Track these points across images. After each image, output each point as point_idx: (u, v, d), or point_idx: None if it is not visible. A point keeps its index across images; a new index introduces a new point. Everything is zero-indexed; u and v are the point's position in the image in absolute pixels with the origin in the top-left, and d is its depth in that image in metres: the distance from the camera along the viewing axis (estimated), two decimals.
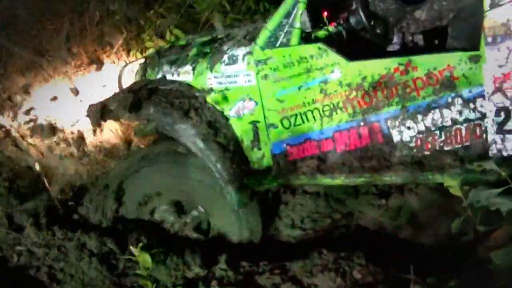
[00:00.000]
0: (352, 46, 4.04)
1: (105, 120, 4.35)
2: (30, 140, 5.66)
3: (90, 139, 5.77)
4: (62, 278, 3.94)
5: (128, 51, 6.37)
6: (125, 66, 5.01)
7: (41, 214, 4.38)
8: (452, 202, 3.61)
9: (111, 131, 5.73)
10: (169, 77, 4.36)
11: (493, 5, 3.42)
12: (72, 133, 5.82)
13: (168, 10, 6.84)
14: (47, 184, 4.86)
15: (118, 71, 4.82)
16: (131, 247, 3.77)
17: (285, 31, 3.89)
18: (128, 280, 3.94)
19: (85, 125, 5.67)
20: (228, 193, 4.05)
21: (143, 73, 4.58)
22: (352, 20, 4.06)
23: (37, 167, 5.08)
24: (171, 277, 3.84)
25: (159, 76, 4.42)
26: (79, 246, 4.02)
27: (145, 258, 3.69)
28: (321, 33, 3.99)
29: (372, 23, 4.14)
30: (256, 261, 3.82)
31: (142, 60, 4.78)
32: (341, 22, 4.09)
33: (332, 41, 3.94)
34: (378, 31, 4.25)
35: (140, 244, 3.75)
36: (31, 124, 5.88)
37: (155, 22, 6.68)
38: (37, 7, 6.56)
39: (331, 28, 4.03)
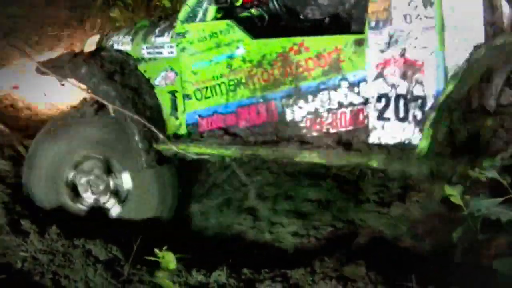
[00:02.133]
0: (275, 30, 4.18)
1: (49, 75, 4.64)
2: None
3: None
4: (67, 284, 3.92)
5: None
6: (90, 36, 5.37)
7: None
8: (453, 211, 3.65)
9: None
10: (115, 46, 4.64)
11: None
12: None
13: None
14: None
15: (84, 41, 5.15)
16: (156, 250, 3.82)
17: (203, 7, 4.08)
18: (133, 287, 3.91)
19: None
20: (137, 154, 4.25)
21: (99, 43, 4.89)
22: (270, 5, 4.19)
23: None
24: (174, 284, 3.82)
25: (109, 45, 4.71)
26: (84, 252, 4.05)
27: (169, 259, 3.77)
28: (244, 14, 4.17)
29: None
30: (257, 269, 3.82)
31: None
32: (263, 5, 4.22)
33: (254, 23, 4.10)
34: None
35: (165, 247, 3.82)
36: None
37: None
38: (38, 14, 6.88)
39: (254, 10, 4.19)
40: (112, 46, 4.66)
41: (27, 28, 6.74)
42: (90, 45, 4.99)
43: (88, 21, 6.99)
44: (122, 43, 4.58)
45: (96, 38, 5.15)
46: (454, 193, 3.45)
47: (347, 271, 3.56)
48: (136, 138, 4.20)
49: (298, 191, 5.15)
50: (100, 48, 4.75)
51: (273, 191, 5.18)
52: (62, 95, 5.95)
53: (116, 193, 4.60)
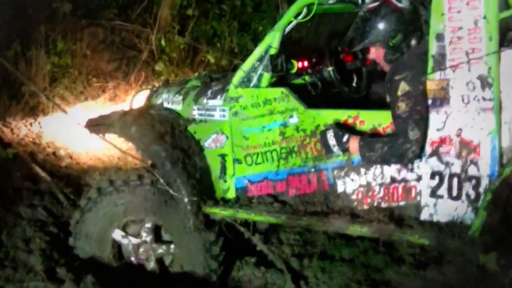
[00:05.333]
0: (328, 96, 4.21)
1: (99, 133, 4.73)
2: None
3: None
4: None
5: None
6: (138, 91, 5.42)
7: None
8: (490, 278, 3.62)
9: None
10: (165, 104, 4.68)
11: (435, 68, 3.50)
12: None
13: None
14: None
15: (132, 96, 5.21)
16: None
17: (257, 73, 4.11)
18: None
19: None
20: (185, 217, 4.26)
21: (149, 99, 4.94)
22: (325, 74, 4.22)
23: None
24: None
25: (158, 102, 4.76)
26: None
27: None
28: (298, 81, 4.20)
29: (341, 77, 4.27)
30: None
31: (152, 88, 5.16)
32: (317, 73, 4.25)
33: (306, 91, 4.13)
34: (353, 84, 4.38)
35: None
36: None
37: None
38: (84, 64, 7.00)
39: (307, 77, 4.22)
40: (161, 104, 4.69)
41: (72, 77, 6.81)
42: (137, 100, 5.05)
43: (132, 74, 7.04)
44: (172, 102, 4.62)
45: (143, 92, 5.21)
46: (490, 259, 3.43)
47: None
48: (185, 200, 4.20)
49: (333, 250, 5.15)
50: (149, 105, 4.78)
51: (309, 249, 5.18)
52: (104, 145, 5.98)
53: (160, 259, 4.62)
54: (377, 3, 3.75)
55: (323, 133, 3.78)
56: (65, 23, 7.17)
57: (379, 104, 4.07)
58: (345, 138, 3.69)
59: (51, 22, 7.09)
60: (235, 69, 5.31)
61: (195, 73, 5.84)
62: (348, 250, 5.08)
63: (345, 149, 3.72)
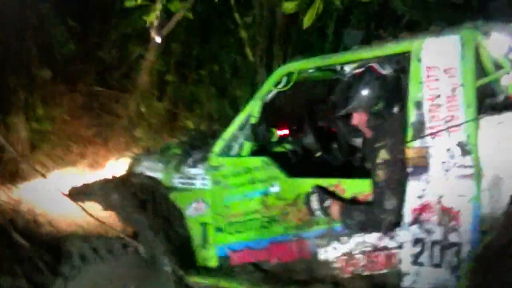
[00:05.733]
0: (310, 164, 4.24)
1: (82, 201, 4.71)
2: None
3: None
4: None
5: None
6: (119, 158, 5.43)
7: None
8: None
9: None
10: (146, 172, 4.69)
11: (414, 136, 3.54)
12: None
13: None
14: None
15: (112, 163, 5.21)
16: None
17: (238, 142, 4.15)
18: None
19: None
20: (168, 286, 4.22)
21: (130, 167, 4.95)
22: (305, 141, 4.26)
23: None
24: None
25: (139, 170, 4.76)
26: None
27: None
28: (279, 148, 4.24)
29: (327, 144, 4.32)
30: None
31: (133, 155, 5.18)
32: (296, 140, 4.29)
33: (286, 158, 4.16)
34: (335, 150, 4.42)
35: None
36: None
37: None
38: (63, 130, 7.03)
39: (287, 145, 4.26)
40: (143, 172, 4.70)
41: (52, 143, 6.81)
42: (115, 167, 5.05)
43: (112, 139, 7.05)
44: (153, 170, 4.63)
45: (122, 160, 5.22)
46: None
47: None
48: (168, 270, 4.17)
49: None
50: (130, 173, 4.78)
51: None
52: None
53: None
54: (362, 69, 3.80)
55: (307, 197, 3.79)
56: (45, 88, 7.18)
57: (361, 170, 4.10)
58: (327, 203, 3.71)
59: (30, 88, 7.09)
60: (214, 135, 5.34)
61: (174, 139, 5.84)
62: None
63: (327, 214, 3.73)
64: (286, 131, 4.42)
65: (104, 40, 8.20)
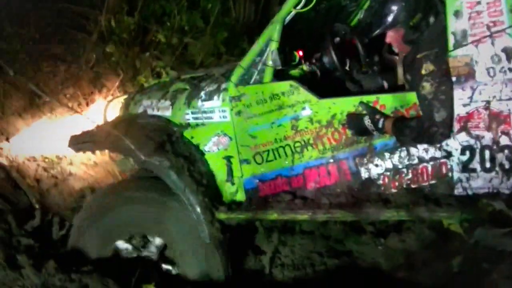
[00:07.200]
0: (328, 85, 4.10)
1: (84, 152, 4.42)
2: (28, 181, 5.63)
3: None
4: None
5: (125, 93, 6.45)
6: (110, 101, 5.12)
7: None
8: (450, 241, 3.66)
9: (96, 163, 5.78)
10: (149, 111, 4.43)
11: (456, 45, 3.46)
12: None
13: (163, 52, 6.98)
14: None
15: (104, 106, 4.90)
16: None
17: (258, 68, 3.94)
18: None
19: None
20: (199, 226, 4.05)
21: (126, 108, 4.66)
22: (325, 60, 4.11)
23: (37, 206, 5.17)
24: None
25: (140, 110, 4.49)
26: (81, 287, 3.97)
27: None
28: (295, 71, 4.07)
29: (344, 62, 4.18)
30: None
31: (127, 96, 4.87)
32: (315, 61, 4.13)
33: (306, 80, 4.00)
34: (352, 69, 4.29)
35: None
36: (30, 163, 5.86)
37: (150, 64, 6.80)
38: (33, 49, 6.62)
39: (305, 66, 4.10)
40: (145, 111, 4.45)
41: (21, 62, 6.38)
42: (108, 109, 4.77)
43: (83, 56, 6.68)
44: (158, 108, 4.38)
45: (116, 101, 4.92)
46: (453, 221, 3.50)
47: None
48: (198, 209, 4.01)
49: (293, 223, 4.99)
50: (131, 114, 4.51)
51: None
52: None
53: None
54: None
55: (360, 120, 3.68)
56: (11, 6, 6.70)
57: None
58: (380, 123, 3.61)
59: None
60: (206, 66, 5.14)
61: (171, 73, 5.57)
62: (308, 222, 4.91)
63: (382, 132, 3.65)
64: (300, 53, 4.20)
65: None
